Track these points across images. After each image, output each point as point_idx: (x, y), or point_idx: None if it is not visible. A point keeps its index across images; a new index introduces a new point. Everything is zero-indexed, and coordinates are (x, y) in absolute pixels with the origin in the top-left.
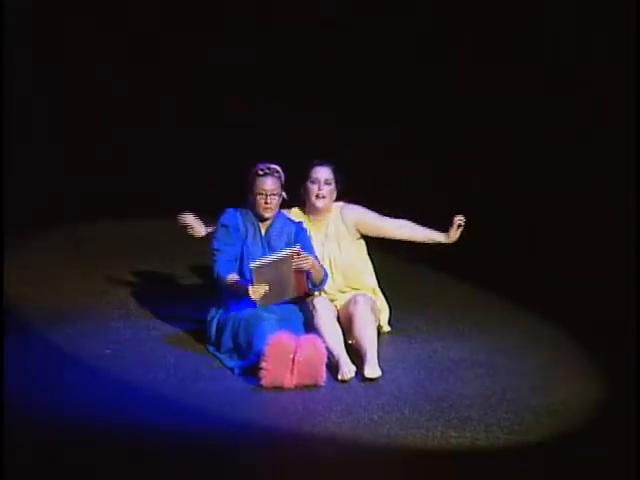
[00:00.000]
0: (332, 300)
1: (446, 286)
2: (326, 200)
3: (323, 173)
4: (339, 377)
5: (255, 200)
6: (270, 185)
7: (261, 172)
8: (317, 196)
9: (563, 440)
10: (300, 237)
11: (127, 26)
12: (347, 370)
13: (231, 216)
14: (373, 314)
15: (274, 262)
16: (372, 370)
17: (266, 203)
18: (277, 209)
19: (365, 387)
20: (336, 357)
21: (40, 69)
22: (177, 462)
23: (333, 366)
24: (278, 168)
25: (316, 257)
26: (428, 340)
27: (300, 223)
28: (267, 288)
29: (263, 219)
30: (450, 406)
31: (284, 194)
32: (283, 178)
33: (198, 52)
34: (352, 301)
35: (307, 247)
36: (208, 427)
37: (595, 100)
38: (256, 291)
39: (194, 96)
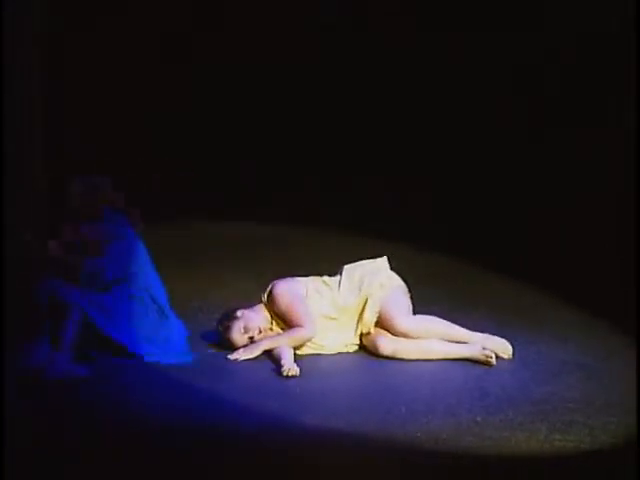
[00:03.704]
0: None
1: (549, 290)
2: None
3: None
4: None
5: None
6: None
7: None
8: None
9: None
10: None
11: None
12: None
13: None
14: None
15: None
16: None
17: None
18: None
19: (469, 389)
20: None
21: (40, 68)
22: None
23: None
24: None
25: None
26: (533, 342)
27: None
28: None
29: None
30: (554, 409)
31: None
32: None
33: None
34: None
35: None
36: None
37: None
38: None
39: (194, 97)
